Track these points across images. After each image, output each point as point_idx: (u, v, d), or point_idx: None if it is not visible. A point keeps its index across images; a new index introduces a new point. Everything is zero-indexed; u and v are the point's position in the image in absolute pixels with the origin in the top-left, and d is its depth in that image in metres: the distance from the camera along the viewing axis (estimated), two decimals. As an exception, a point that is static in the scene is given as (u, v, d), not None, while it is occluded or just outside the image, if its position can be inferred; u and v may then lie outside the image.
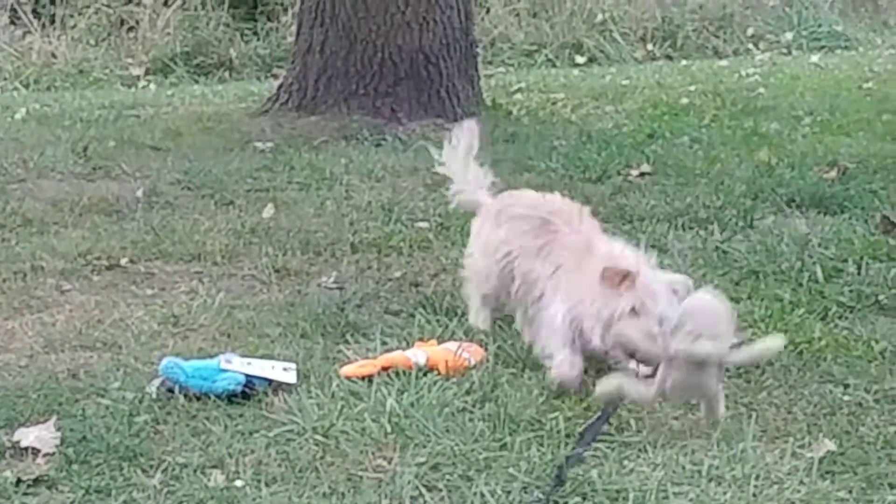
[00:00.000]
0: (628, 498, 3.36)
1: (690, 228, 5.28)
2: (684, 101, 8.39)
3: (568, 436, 3.67)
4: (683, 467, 3.50)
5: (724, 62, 11.46)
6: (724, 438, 3.66)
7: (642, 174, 6.01)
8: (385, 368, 4.09)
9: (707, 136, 6.58)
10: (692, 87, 9.14)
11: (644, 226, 5.33)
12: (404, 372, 4.04)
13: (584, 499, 3.36)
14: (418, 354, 4.12)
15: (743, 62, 11.36)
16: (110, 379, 4.06)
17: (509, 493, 3.41)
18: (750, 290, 4.67)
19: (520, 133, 6.77)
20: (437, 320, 4.47)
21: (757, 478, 3.45)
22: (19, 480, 3.48)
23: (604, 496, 3.37)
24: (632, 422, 3.77)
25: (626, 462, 3.57)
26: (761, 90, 9.00)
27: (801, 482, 3.41)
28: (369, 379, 4.03)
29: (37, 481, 3.50)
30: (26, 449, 3.64)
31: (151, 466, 3.57)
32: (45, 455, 3.62)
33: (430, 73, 7.32)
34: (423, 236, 5.28)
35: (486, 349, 4.20)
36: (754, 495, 3.37)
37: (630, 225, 5.36)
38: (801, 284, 4.69)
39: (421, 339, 4.28)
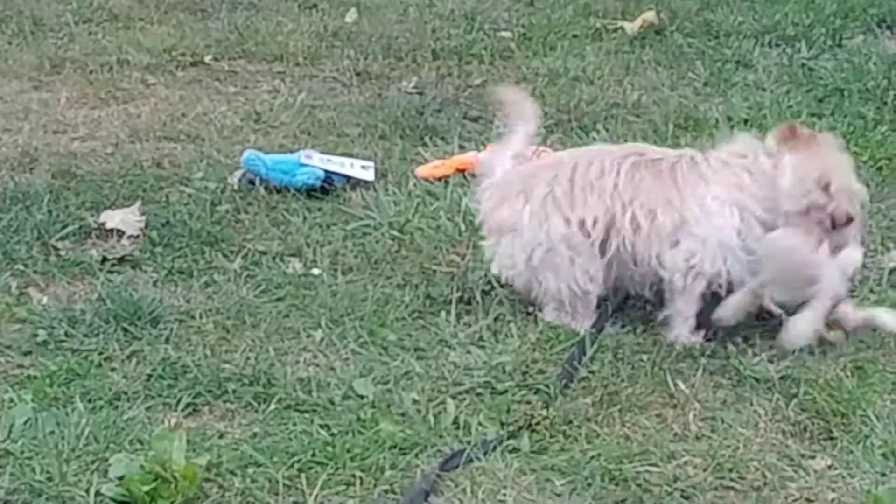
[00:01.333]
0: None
1: (777, 45, 5.20)
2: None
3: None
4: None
5: None
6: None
7: (731, -9, 5.91)
8: (459, 170, 4.13)
9: (800, -45, 6.44)
10: None
11: (730, 41, 5.25)
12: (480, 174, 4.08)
13: (646, 305, 3.41)
14: (492, 157, 4.15)
15: None
16: (193, 169, 4.15)
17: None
18: (833, 107, 4.63)
19: (608, -53, 6.66)
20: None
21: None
22: (105, 259, 3.61)
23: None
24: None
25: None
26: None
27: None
28: (445, 179, 4.09)
29: (121, 260, 3.62)
30: (111, 230, 3.76)
31: (232, 252, 3.68)
32: (129, 237, 3.74)
33: None
34: (505, 45, 5.25)
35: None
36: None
37: (716, 41, 5.28)
38: (885, 103, 4.63)
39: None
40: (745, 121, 4.52)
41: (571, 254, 3.28)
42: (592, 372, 3.13)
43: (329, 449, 2.85)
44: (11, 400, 2.97)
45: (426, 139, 4.41)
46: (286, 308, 3.43)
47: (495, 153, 3.51)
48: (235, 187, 4.02)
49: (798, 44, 5.18)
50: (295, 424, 2.95)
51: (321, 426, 2.94)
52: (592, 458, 2.83)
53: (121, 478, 2.66)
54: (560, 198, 3.29)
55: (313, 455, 2.83)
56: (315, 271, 3.61)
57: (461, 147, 4.32)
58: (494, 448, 2.85)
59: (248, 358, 3.19)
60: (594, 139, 4.39)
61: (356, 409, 3.00)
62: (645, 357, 3.20)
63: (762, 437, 2.93)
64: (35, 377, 3.07)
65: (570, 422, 2.96)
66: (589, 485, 2.76)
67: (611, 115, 4.59)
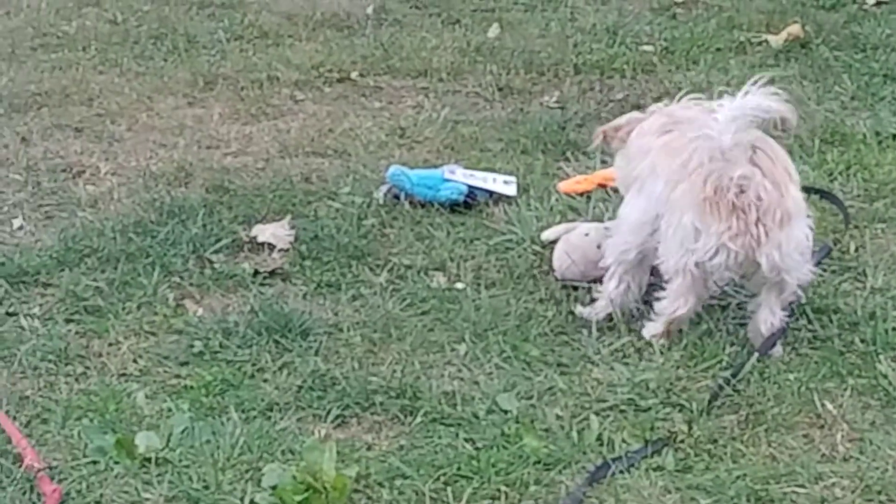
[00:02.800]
0: (841, 316, 3.38)
1: (926, 58, 5.11)
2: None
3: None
4: (901, 292, 3.49)
5: None
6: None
7: (879, 3, 5.79)
8: (602, 185, 4.15)
9: (952, -34, 6.29)
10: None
11: (878, 55, 5.17)
12: (623, 190, 4.10)
13: (797, 319, 3.39)
14: (636, 172, 4.16)
15: None
16: (340, 184, 4.25)
17: (725, 307, 3.46)
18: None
19: (752, -42, 6.60)
20: (658, 141, 4.48)
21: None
22: (256, 272, 3.73)
23: (814, 315, 3.40)
24: (852, 245, 3.76)
25: (842, 285, 3.57)
26: None
27: None
28: (587, 195, 4.11)
29: (272, 273, 3.73)
30: (263, 244, 3.87)
31: (378, 266, 3.76)
32: (280, 250, 3.85)
33: None
34: (647, 59, 5.25)
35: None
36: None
37: (863, 54, 5.20)
38: None
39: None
40: (894, 136, 4.45)
41: None
42: (738, 390, 3.13)
43: (474, 463, 2.90)
44: (170, 409, 3.09)
45: (568, 154, 4.43)
46: (431, 322, 3.49)
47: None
48: (381, 202, 4.10)
49: (948, 57, 5.09)
50: (440, 438, 3.00)
51: (466, 440, 2.99)
52: (738, 477, 2.83)
53: (273, 487, 2.76)
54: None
55: (459, 469, 2.88)
56: (459, 285, 3.66)
57: (603, 162, 4.33)
58: (638, 465, 2.87)
59: (394, 371, 3.26)
60: (738, 154, 4.36)
61: (500, 424, 3.04)
62: (791, 376, 3.18)
63: (914, 463, 2.90)
64: (192, 387, 3.19)
65: (716, 441, 2.96)
66: (734, 504, 2.76)
67: (755, 130, 4.55)
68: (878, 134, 4.46)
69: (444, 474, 2.86)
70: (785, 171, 3.27)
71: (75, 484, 2.85)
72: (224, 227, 3.96)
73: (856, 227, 3.88)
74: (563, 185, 4.19)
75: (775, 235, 3.17)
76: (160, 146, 4.59)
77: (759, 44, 5.35)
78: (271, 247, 3.86)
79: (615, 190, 4.12)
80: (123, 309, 3.54)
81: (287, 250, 3.85)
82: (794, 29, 5.39)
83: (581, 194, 4.12)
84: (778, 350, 3.28)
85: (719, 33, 5.48)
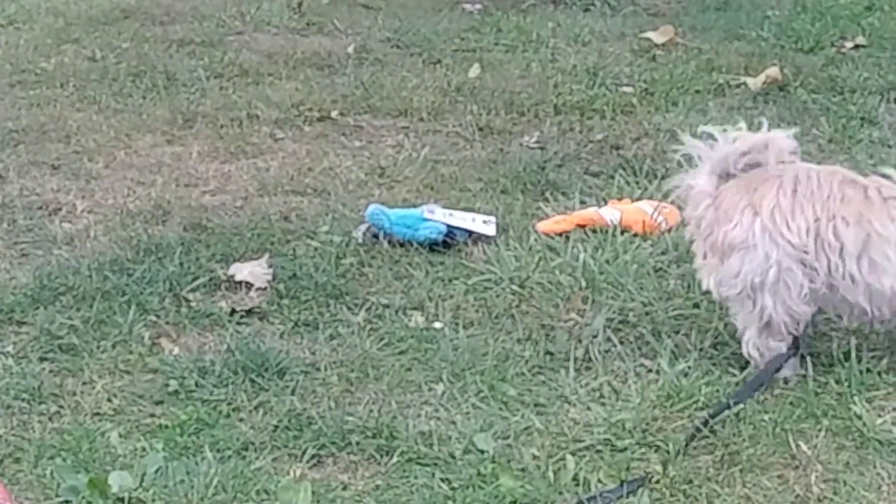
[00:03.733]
0: (817, 357, 3.39)
1: (903, 102, 5.15)
2: (907, -26, 8.06)
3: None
4: (879, 333, 3.49)
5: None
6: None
7: (857, 46, 5.84)
8: (580, 225, 4.16)
9: (929, 10, 6.36)
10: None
11: (855, 98, 5.21)
12: (601, 230, 4.11)
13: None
14: (612, 213, 4.17)
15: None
16: (319, 223, 4.25)
17: (701, 348, 3.47)
18: (959, 163, 4.56)
19: (732, 1, 6.65)
20: (637, 182, 4.50)
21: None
22: (233, 311, 3.71)
23: (794, 357, 3.41)
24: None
25: (820, 325, 3.58)
26: None
27: None
28: (565, 235, 4.12)
29: (250, 312, 3.72)
30: (240, 283, 3.86)
31: (356, 305, 3.75)
32: (257, 289, 3.84)
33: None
34: (627, 100, 5.28)
35: (682, 211, 4.22)
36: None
37: (841, 97, 5.24)
38: None
39: (618, 199, 4.33)
40: (871, 178, 4.48)
41: (799, 271, 3.26)
42: (714, 431, 3.12)
43: (450, 503, 2.88)
44: (144, 449, 3.06)
45: (547, 194, 4.45)
46: (408, 361, 3.48)
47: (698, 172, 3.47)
48: (360, 241, 4.10)
49: (924, 100, 5.13)
50: (416, 478, 2.99)
51: (442, 480, 2.98)
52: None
53: (248, 527, 2.74)
54: (787, 210, 3.27)
55: (434, 509, 2.87)
56: (437, 325, 3.66)
57: (582, 202, 4.35)
58: (614, 505, 2.86)
59: (371, 410, 3.25)
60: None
61: (476, 464, 3.03)
62: (766, 417, 3.18)
63: (885, 500, 2.89)
64: (166, 426, 3.17)
65: (691, 481, 2.95)
66: (710, 546, 2.75)
67: (733, 172, 4.57)
68: (854, 176, 4.49)
69: (420, 515, 2.85)
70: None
71: (47, 524, 2.83)
72: (201, 265, 3.95)
73: (833, 268, 3.89)
74: (542, 226, 4.20)
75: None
76: (138, 184, 4.58)
77: (738, 86, 5.39)
78: (249, 285, 3.85)
79: (594, 230, 4.14)
80: (98, 347, 3.52)
81: (265, 289, 3.84)
82: (773, 72, 5.43)
83: (560, 234, 4.13)
84: (788, 370, 3.30)
85: (698, 75, 5.52)
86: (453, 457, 3.06)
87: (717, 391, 3.28)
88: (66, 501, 2.87)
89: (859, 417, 3.16)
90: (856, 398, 3.23)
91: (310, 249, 4.08)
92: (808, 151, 4.76)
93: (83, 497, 2.86)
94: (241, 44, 6.02)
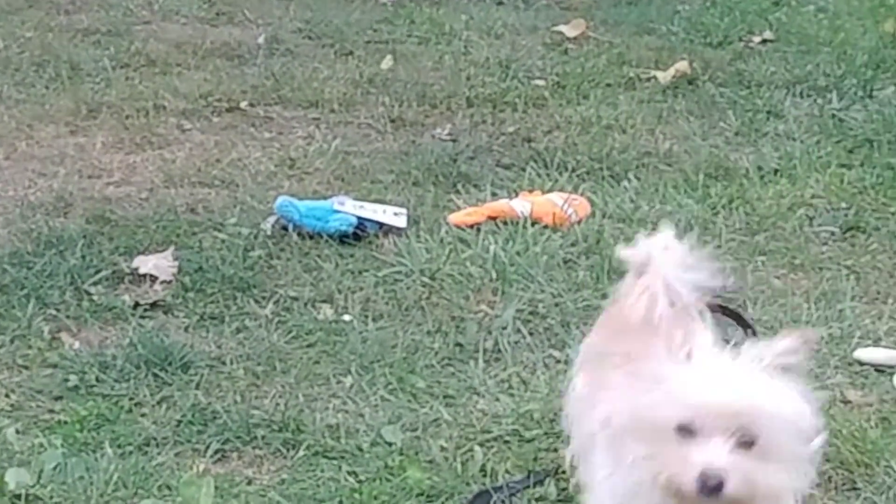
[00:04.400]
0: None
1: (808, 96, 5.20)
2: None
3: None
4: (782, 323, 3.53)
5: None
6: (825, 297, 3.68)
7: (764, 41, 5.90)
8: (492, 217, 4.15)
9: (833, 6, 6.43)
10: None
11: (762, 91, 5.25)
12: (512, 222, 4.10)
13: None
14: (523, 205, 4.17)
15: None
16: (227, 215, 4.18)
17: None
18: (864, 157, 4.63)
19: (642, -4, 6.69)
20: (548, 174, 4.49)
21: (852, 336, 3.47)
22: (137, 304, 3.64)
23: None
24: (732, 277, 3.80)
25: (726, 317, 3.60)
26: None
27: (901, 344, 3.42)
28: (477, 227, 4.10)
29: (154, 305, 3.65)
30: (144, 276, 3.79)
31: (264, 298, 3.70)
32: (162, 282, 3.76)
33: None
34: (539, 94, 5.27)
35: (592, 203, 4.23)
36: (851, 352, 3.40)
37: (748, 90, 5.28)
38: (916, 154, 4.64)
39: (529, 191, 4.32)
40: (776, 171, 4.52)
41: None
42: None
43: (356, 496, 2.85)
44: (41, 445, 2.99)
45: (459, 186, 4.42)
46: (316, 354, 3.44)
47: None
48: (268, 233, 4.05)
49: (829, 94, 5.19)
50: (323, 471, 2.95)
51: (349, 473, 2.94)
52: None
53: (148, 524, 2.68)
54: None
55: (340, 502, 2.83)
56: (346, 318, 3.62)
57: (494, 194, 4.34)
58: (521, 495, 2.84)
59: (277, 404, 3.20)
60: (625, 188, 4.40)
61: (384, 456, 3.00)
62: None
63: (790, 489, 2.91)
64: (65, 422, 3.09)
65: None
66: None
67: (642, 164, 4.60)
68: (760, 169, 4.53)
69: (325, 509, 2.81)
70: None
71: (-61, 523, 2.75)
72: (104, 258, 3.87)
73: (737, 259, 3.92)
74: (454, 217, 4.17)
75: None
76: (39, 175, 4.47)
77: (648, 80, 5.41)
78: (153, 278, 3.78)
79: (505, 222, 4.13)
80: (-4, 341, 3.43)
81: (170, 282, 3.77)
82: (682, 66, 5.46)
83: (471, 226, 4.11)
84: None
85: (609, 69, 5.53)
86: (361, 449, 3.02)
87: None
88: (-40, 499, 2.80)
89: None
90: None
91: (217, 242, 4.01)
92: (715, 144, 4.81)
93: (-22, 494, 2.79)
94: (149, 33, 5.91)
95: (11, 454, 2.95)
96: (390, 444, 3.05)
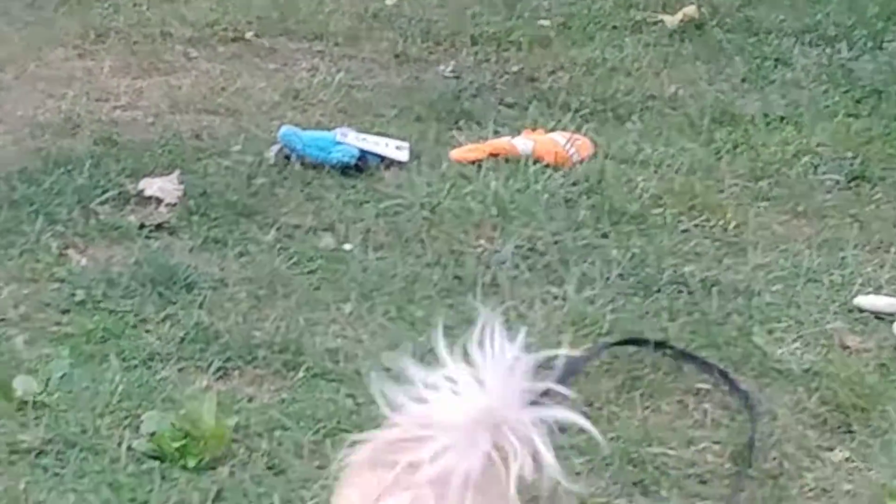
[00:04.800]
0: (721, 289, 3.46)
1: (817, 45, 5.21)
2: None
3: (670, 231, 3.77)
4: (782, 268, 3.58)
5: None
6: (827, 245, 3.73)
7: (774, -11, 5.93)
8: (493, 154, 4.19)
9: (843, -43, 6.45)
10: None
11: (770, 39, 5.26)
12: (513, 159, 4.14)
13: (678, 290, 3.47)
14: (525, 143, 4.20)
15: None
16: (231, 142, 4.22)
17: (608, 277, 3.52)
18: (871, 108, 4.65)
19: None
20: (551, 114, 4.52)
21: (853, 283, 3.53)
22: (142, 225, 3.69)
23: (698, 286, 3.48)
24: (734, 222, 3.85)
25: (724, 259, 3.66)
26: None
27: (899, 291, 3.48)
28: (478, 163, 4.14)
29: (159, 227, 3.69)
30: (150, 198, 3.83)
31: (267, 224, 3.75)
32: (167, 204, 3.81)
33: None
34: (544, 34, 5.29)
35: (595, 144, 4.27)
36: (852, 299, 3.46)
37: (756, 37, 5.29)
38: (924, 107, 4.67)
39: (532, 129, 4.36)
40: (782, 118, 4.56)
41: None
42: (616, 356, 3.18)
43: (354, 417, 2.91)
44: (48, 355, 3.04)
45: (461, 123, 4.46)
46: (317, 281, 3.49)
47: None
48: (272, 162, 4.08)
49: (838, 44, 5.19)
50: (322, 392, 3.01)
51: (347, 395, 3.00)
52: (612, 439, 2.88)
53: (152, 434, 2.74)
54: None
55: (339, 422, 2.89)
56: (347, 247, 3.67)
57: (496, 132, 4.37)
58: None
59: (278, 327, 3.26)
60: (629, 130, 4.44)
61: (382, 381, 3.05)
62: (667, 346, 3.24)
63: (781, 428, 2.97)
64: (72, 334, 3.15)
65: (591, 404, 3.01)
66: (608, 465, 2.81)
67: (647, 107, 4.63)
68: (766, 115, 4.56)
69: (324, 427, 2.87)
70: None
71: (-51, 424, 2.81)
72: (111, 179, 3.91)
73: (739, 204, 3.97)
74: (455, 153, 4.21)
75: None
76: (48, 96, 4.50)
77: (655, 24, 5.42)
78: (158, 201, 3.82)
79: (506, 160, 4.17)
80: (5, 255, 3.48)
81: (175, 205, 3.81)
82: (690, 10, 5.47)
83: (472, 162, 4.15)
84: None
85: (616, 11, 5.54)
86: (359, 374, 3.08)
87: (621, 318, 3.35)
88: (-32, 404, 2.85)
89: (758, 348, 3.24)
90: (755, 329, 3.32)
91: (221, 168, 4.05)
92: (721, 90, 4.84)
93: (-14, 400, 2.85)
94: (157, -39, 5.92)
95: (19, 362, 3.01)
96: (388, 370, 3.10)
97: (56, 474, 2.69)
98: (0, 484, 2.65)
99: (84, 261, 3.50)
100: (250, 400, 2.97)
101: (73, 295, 3.32)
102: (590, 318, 3.33)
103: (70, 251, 3.54)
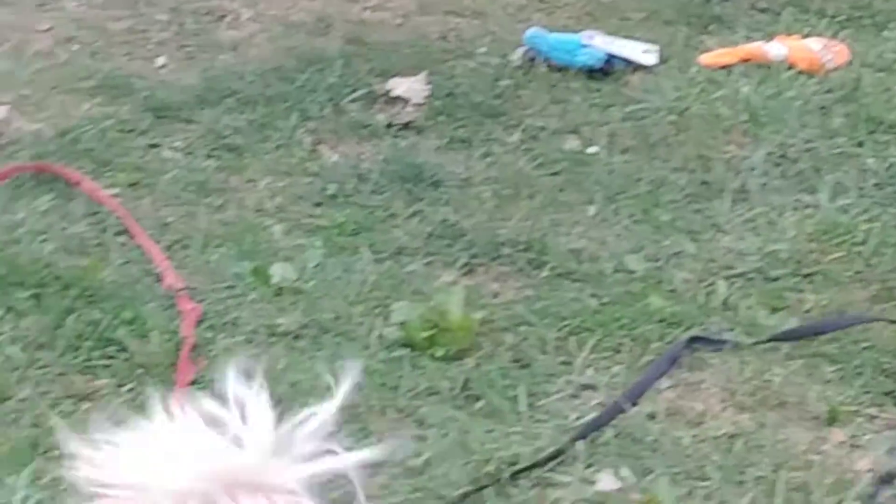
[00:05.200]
0: None
1: None
2: None
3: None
4: None
5: None
6: None
7: None
8: (744, 60, 4.08)
9: None
10: None
11: None
12: (765, 65, 4.02)
13: None
14: (779, 48, 4.08)
15: None
16: (477, 44, 4.23)
17: (862, 187, 3.41)
18: None
19: None
20: (806, 20, 4.36)
21: None
22: (390, 124, 3.75)
23: None
24: None
25: None
26: None
27: None
28: (728, 69, 4.04)
29: (406, 126, 3.75)
30: (397, 97, 3.88)
31: (512, 125, 3.76)
32: (414, 104, 3.85)
33: None
34: (799, -62, 5.09)
35: (851, 51, 4.11)
36: None
37: None
38: None
39: (786, 35, 4.22)
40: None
41: None
42: (871, 265, 3.09)
43: (598, 316, 2.92)
44: (303, 245, 3.15)
45: (711, 28, 4.35)
46: (562, 182, 3.49)
47: None
48: (517, 64, 4.08)
49: None
50: (566, 291, 3.03)
51: (591, 295, 3.01)
52: (865, 349, 2.81)
53: (402, 323, 2.82)
54: None
55: (583, 321, 2.91)
56: (592, 149, 3.65)
57: (747, 38, 4.25)
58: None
59: (522, 226, 3.28)
60: (886, 38, 4.25)
61: (626, 283, 3.05)
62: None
63: None
64: (325, 227, 3.25)
65: (844, 313, 2.94)
66: (859, 374, 2.74)
67: (909, 15, 4.42)
68: None
69: (568, 325, 2.89)
70: None
71: (213, 305, 2.94)
72: (360, 78, 3.98)
73: None
74: (705, 58, 4.11)
75: None
76: (302, -3, 4.61)
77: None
78: (405, 101, 3.88)
79: (758, 65, 4.06)
80: (261, 149, 3.60)
81: (421, 105, 3.86)
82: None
83: (722, 67, 4.05)
84: None
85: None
86: (603, 274, 3.08)
87: (876, 227, 3.24)
88: (231, 286, 2.98)
89: None
90: None
91: (467, 69, 4.07)
92: None
93: (247, 283, 2.97)
94: None
95: (276, 250, 3.13)
96: (632, 272, 3.10)
97: (312, 357, 2.79)
98: (260, 363, 2.77)
99: (335, 156, 3.59)
100: (495, 296, 3.02)
101: (325, 189, 3.42)
102: (843, 228, 3.23)
103: (322, 147, 3.64)
